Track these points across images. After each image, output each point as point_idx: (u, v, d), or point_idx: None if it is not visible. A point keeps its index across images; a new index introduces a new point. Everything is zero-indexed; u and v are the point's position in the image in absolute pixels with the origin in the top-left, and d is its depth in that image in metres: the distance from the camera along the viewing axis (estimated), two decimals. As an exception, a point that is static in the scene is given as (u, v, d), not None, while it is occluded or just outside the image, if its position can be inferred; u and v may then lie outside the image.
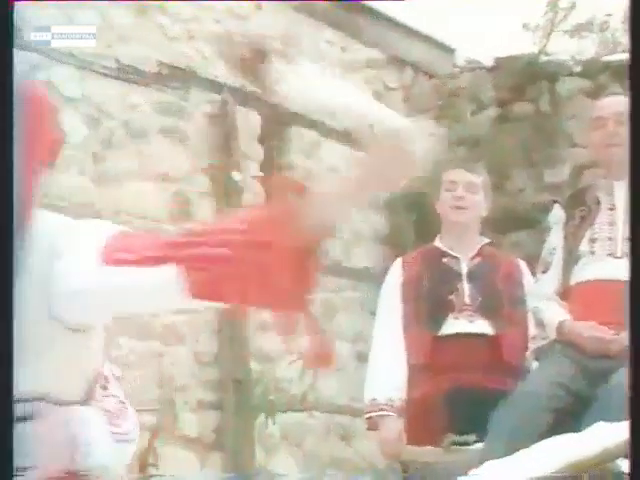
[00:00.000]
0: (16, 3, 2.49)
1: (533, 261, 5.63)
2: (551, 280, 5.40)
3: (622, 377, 4.79)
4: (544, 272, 5.44)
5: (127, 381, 3.75)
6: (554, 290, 5.36)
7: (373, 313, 6.05)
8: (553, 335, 5.28)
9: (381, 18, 8.96)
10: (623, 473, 4.12)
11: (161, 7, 7.84)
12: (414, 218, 8.14)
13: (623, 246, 5.26)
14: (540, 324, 5.36)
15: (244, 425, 8.18)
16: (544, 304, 5.35)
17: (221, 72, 8.15)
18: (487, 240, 5.71)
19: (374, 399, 5.50)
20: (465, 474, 4.56)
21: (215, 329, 8.27)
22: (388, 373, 5.52)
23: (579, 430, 4.58)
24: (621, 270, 5.08)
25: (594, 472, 4.20)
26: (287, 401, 8.41)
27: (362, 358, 7.08)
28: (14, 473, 2.48)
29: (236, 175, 8.13)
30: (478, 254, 5.62)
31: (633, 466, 2.70)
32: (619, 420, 4.32)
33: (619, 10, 9.13)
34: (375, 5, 8.79)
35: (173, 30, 7.93)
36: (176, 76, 7.87)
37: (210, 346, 8.24)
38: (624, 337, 4.99)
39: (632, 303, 2.72)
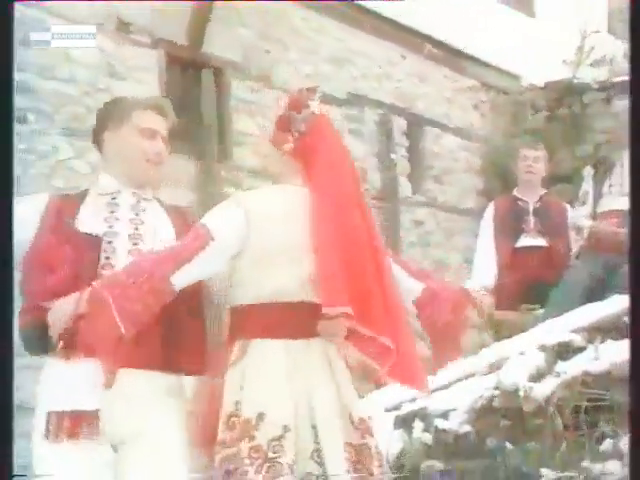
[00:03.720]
0: (16, 3, 1.88)
1: (571, 202, 5.51)
2: (586, 209, 5.27)
3: (626, 268, 4.94)
4: (581, 205, 5.32)
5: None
6: (588, 214, 5.25)
7: (475, 235, 6.04)
8: (586, 235, 5.17)
9: (478, 62, 8.84)
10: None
11: (352, 64, 7.80)
12: (501, 178, 7.94)
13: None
14: (580, 230, 5.24)
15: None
16: (582, 220, 5.24)
17: (382, 96, 8.09)
18: (545, 190, 5.59)
19: (478, 283, 5.08)
20: (534, 327, 4.57)
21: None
22: (485, 269, 5.43)
23: (602, 300, 4.56)
24: (627, 203, 5.17)
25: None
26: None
27: (468, 262, 7.04)
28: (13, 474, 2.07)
29: (393, 156, 8.03)
30: (540, 199, 5.50)
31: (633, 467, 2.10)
32: (624, 294, 4.45)
33: (620, 50, 9.00)
34: (476, 54, 8.70)
35: (355, 73, 7.84)
36: (357, 100, 7.83)
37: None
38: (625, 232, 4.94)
39: (632, 303, 2.12)
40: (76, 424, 2.31)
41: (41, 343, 2.38)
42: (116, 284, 2.30)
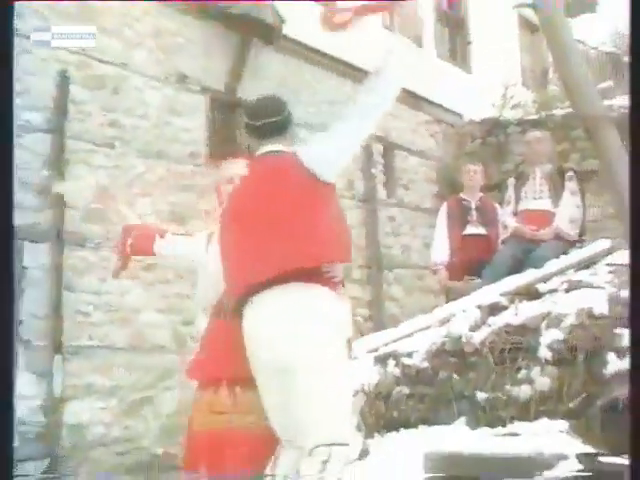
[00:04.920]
0: (16, 3, 1.44)
1: (500, 203, 5.43)
2: (510, 209, 5.26)
3: (539, 252, 4.82)
4: (507, 206, 5.31)
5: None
6: (511, 213, 5.24)
7: (432, 226, 5.98)
8: (510, 232, 5.18)
9: (434, 104, 8.80)
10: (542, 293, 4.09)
11: (343, 104, 7.67)
12: (450, 186, 7.75)
13: (540, 194, 5.12)
14: (505, 227, 5.24)
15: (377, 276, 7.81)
16: (507, 219, 5.24)
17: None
18: (482, 194, 5.53)
19: (435, 261, 5.42)
20: (474, 291, 4.60)
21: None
22: (440, 250, 5.40)
23: (521, 272, 4.57)
24: (538, 205, 5.10)
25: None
26: (395, 263, 8.03)
27: (427, 246, 6.99)
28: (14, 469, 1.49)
29: (373, 170, 7.91)
30: (479, 200, 5.46)
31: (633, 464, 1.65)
32: (537, 268, 4.42)
33: (530, 97, 9.07)
34: (432, 98, 8.64)
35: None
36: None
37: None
38: (541, 233, 4.99)
39: (632, 299, 1.75)
40: None
41: None
42: None
